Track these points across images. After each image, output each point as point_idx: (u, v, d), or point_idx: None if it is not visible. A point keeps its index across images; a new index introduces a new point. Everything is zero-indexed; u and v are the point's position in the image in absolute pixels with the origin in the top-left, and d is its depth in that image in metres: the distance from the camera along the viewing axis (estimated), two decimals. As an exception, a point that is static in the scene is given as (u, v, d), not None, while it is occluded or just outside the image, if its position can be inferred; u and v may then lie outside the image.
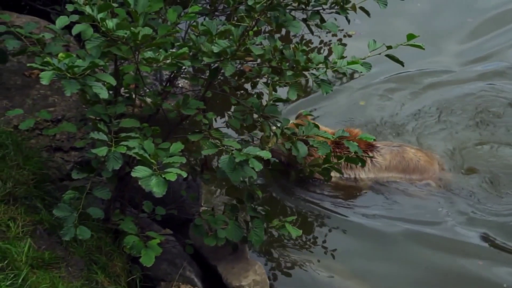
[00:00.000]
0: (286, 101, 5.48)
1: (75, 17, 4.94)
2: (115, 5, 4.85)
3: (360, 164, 5.78)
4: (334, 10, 6.03)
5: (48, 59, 4.53)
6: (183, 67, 5.33)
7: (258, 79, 5.59)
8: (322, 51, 9.22)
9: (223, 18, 6.26)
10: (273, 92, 5.45)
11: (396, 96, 8.63)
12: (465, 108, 8.41)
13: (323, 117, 8.15)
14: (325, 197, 7.27)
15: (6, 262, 4.89)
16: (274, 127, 5.57)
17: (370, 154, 7.22)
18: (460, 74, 9.05)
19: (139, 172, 4.47)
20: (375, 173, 7.39)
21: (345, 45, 8.34)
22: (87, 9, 4.65)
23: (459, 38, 9.68)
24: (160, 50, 4.87)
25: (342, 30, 9.40)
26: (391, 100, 8.57)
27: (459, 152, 7.78)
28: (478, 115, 8.32)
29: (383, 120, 8.26)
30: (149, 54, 4.79)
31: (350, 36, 9.42)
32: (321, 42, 9.34)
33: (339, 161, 5.85)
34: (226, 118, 7.80)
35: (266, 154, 4.87)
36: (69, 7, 4.86)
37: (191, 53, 5.07)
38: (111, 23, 4.66)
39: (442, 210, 7.17)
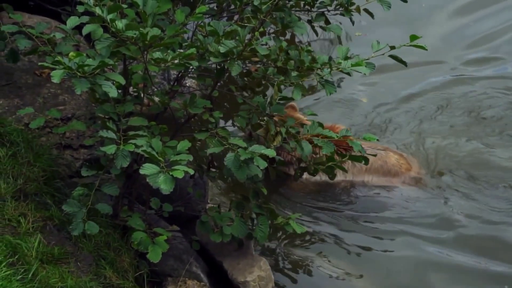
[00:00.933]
0: (291, 100, 5.53)
1: (85, 19, 4.99)
2: (124, 6, 4.93)
3: (363, 163, 5.78)
4: (338, 12, 6.08)
5: (59, 58, 4.61)
6: (191, 67, 5.41)
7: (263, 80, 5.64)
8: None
9: (230, 18, 6.31)
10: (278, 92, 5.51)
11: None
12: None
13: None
14: (319, 196, 7.35)
15: (16, 257, 4.97)
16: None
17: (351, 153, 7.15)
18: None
19: (147, 169, 4.55)
20: (355, 174, 7.37)
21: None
22: (97, 10, 4.73)
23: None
24: (168, 50, 4.93)
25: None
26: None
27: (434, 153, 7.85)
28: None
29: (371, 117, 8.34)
30: (157, 54, 4.85)
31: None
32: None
33: (343, 159, 5.86)
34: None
35: (271, 153, 4.94)
36: (80, 8, 4.93)
37: (198, 53, 5.14)
38: (120, 24, 4.74)
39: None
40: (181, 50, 4.93)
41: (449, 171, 7.59)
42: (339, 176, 6.89)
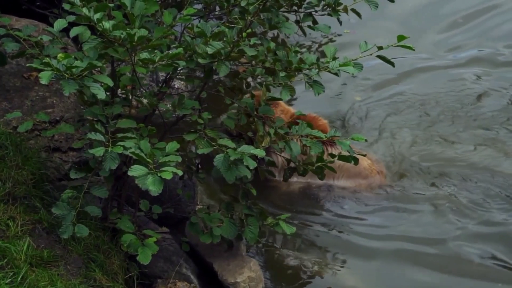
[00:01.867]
0: (280, 100, 5.54)
1: (72, 18, 4.99)
2: (111, 5, 4.93)
3: (353, 163, 5.79)
4: (326, 12, 6.09)
5: (47, 60, 4.61)
6: (179, 69, 5.41)
7: (252, 80, 5.66)
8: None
9: (217, 20, 6.31)
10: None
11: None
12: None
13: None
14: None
15: (5, 260, 4.94)
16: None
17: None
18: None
19: (135, 171, 4.55)
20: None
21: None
22: (84, 11, 4.73)
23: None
24: (156, 51, 4.94)
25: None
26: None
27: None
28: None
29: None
30: (145, 55, 4.86)
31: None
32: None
33: (332, 160, 5.86)
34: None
35: (260, 153, 4.94)
36: (66, 6, 4.91)
37: (186, 55, 5.14)
38: (107, 24, 4.74)
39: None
40: (169, 52, 4.93)
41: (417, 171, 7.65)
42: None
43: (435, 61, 9.37)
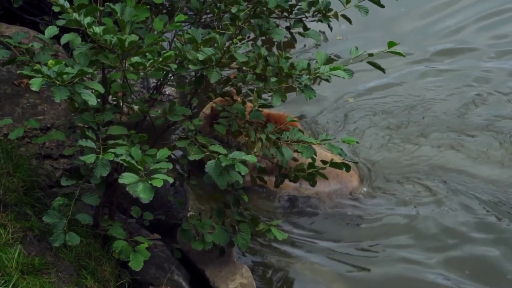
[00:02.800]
0: (271, 106, 5.55)
1: (62, 22, 4.98)
2: (100, 8, 4.93)
3: (344, 169, 5.78)
4: (316, 18, 6.11)
5: (38, 66, 4.61)
6: (170, 76, 5.41)
7: (242, 86, 5.66)
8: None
9: (207, 26, 6.32)
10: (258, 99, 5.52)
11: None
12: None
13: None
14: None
15: (-4, 268, 4.95)
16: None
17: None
18: None
19: (126, 178, 4.54)
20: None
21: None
22: (75, 15, 4.73)
23: None
24: (147, 55, 4.94)
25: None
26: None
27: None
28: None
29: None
30: (136, 59, 4.86)
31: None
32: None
33: (324, 166, 5.85)
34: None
35: (252, 159, 4.94)
36: (56, 8, 4.91)
37: (177, 61, 5.15)
38: (98, 29, 4.74)
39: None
40: (160, 58, 4.94)
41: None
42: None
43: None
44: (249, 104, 5.77)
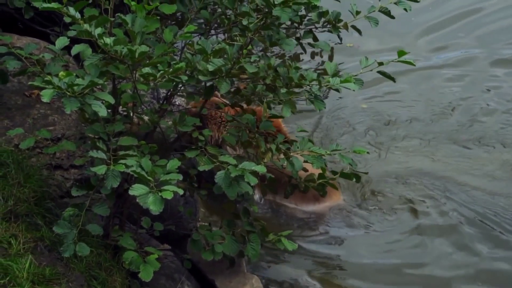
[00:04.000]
0: (281, 117, 5.55)
1: (73, 33, 5.01)
2: (111, 19, 4.95)
3: (354, 180, 5.76)
4: (326, 29, 6.12)
5: (49, 77, 4.63)
6: (180, 86, 5.43)
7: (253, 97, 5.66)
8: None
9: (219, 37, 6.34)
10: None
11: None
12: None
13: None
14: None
15: (7, 278, 4.94)
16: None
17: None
18: None
19: (136, 190, 4.55)
20: None
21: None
22: (86, 26, 4.76)
23: None
24: (158, 66, 4.96)
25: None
26: None
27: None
28: None
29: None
30: (146, 69, 4.88)
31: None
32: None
33: (334, 177, 5.86)
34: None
35: (261, 169, 4.95)
36: (67, 19, 4.93)
37: (187, 72, 5.16)
38: (108, 40, 4.77)
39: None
40: (170, 69, 4.95)
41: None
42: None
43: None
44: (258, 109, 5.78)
